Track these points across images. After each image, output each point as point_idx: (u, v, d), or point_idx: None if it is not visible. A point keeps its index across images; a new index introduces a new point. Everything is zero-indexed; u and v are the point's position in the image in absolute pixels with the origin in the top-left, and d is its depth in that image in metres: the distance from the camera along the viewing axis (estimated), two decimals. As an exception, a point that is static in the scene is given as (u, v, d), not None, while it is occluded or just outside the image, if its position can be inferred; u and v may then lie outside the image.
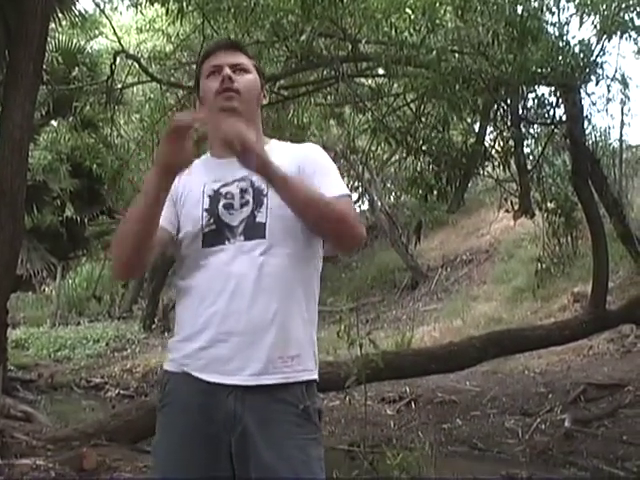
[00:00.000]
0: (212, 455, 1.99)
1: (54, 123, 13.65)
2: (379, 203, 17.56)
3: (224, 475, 1.99)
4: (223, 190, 2.09)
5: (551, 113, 7.54)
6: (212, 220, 2.06)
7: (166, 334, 16.91)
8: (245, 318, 1.99)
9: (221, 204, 2.07)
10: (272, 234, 2.03)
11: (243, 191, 2.07)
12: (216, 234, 2.05)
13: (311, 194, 2.03)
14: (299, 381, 2.03)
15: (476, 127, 8.66)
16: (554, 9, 7.15)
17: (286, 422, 2.00)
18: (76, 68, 12.41)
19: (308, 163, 2.13)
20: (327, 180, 2.12)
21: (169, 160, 1.93)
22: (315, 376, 2.10)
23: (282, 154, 2.14)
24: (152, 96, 10.43)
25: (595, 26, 7.12)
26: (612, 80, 7.72)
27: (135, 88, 11.55)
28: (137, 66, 9.19)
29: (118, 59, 9.45)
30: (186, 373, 2.04)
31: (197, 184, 2.12)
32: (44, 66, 6.83)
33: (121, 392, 12.58)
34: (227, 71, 2.11)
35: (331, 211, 2.03)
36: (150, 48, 11.06)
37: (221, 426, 1.98)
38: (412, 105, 8.19)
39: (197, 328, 2.04)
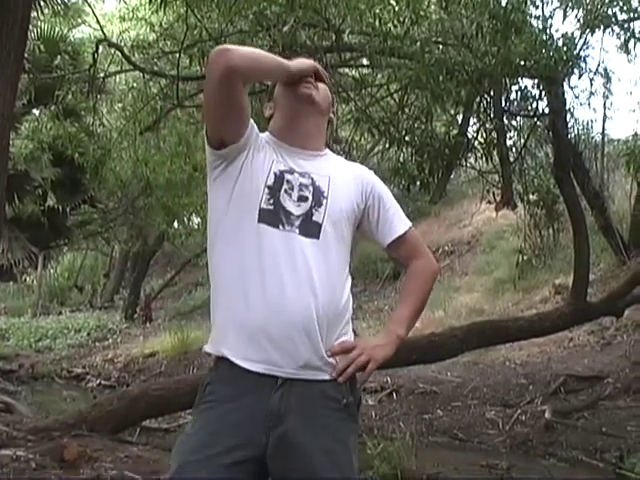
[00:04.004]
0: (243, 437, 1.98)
1: (36, 112, 13.55)
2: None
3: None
4: (286, 176, 2.12)
5: (534, 106, 7.56)
6: (272, 200, 2.07)
7: (148, 324, 16.89)
8: (289, 314, 1.99)
9: (283, 188, 2.10)
10: (325, 236, 2.07)
11: (303, 186, 2.11)
12: (272, 215, 2.06)
13: (422, 302, 2.26)
14: None
15: (459, 118, 8.68)
16: (538, 2, 7.18)
17: (329, 417, 2.02)
18: (58, 56, 12.35)
19: (380, 190, 2.27)
20: (398, 214, 2.28)
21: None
22: None
23: (342, 164, 2.30)
24: (135, 85, 10.39)
25: (579, 20, 7.16)
26: (595, 74, 7.77)
27: (118, 77, 11.49)
28: (120, 55, 9.13)
29: (101, 48, 9.38)
30: (232, 363, 2.02)
31: (268, 156, 2.15)
32: (26, 54, 6.76)
33: (102, 382, 12.57)
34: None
35: (431, 285, 2.29)
36: (133, 37, 11.00)
37: (260, 426, 1.97)
38: (395, 96, 8.20)
39: (244, 314, 2.03)
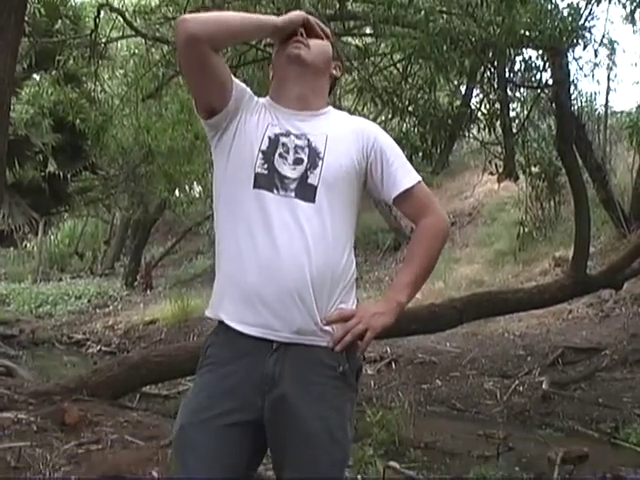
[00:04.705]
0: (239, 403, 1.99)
1: (36, 77, 13.47)
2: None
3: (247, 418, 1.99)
4: (281, 139, 2.08)
5: (538, 77, 7.51)
6: (266, 165, 2.05)
7: (148, 292, 16.94)
8: (285, 279, 1.98)
9: (277, 152, 2.06)
10: (321, 198, 2.03)
11: (298, 147, 2.07)
12: (267, 179, 2.04)
13: (427, 265, 2.14)
14: None
15: (462, 89, 8.62)
16: (544, -29, 7.09)
17: (324, 385, 2.00)
18: (59, 21, 12.24)
19: (383, 142, 2.17)
20: (404, 168, 2.16)
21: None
22: None
23: (343, 120, 2.21)
24: (137, 51, 10.29)
25: (584, -11, 7.09)
26: (599, 45, 7.71)
27: (119, 43, 11.40)
28: (122, 20, 9.04)
29: (102, 12, 9.29)
30: (228, 326, 2.03)
31: (263, 120, 2.11)
32: (26, 18, 6.71)
33: (102, 348, 12.63)
34: (300, 30, 2.17)
35: (440, 245, 2.16)
36: (135, 2, 10.86)
37: (256, 389, 1.98)
38: (399, 65, 8.13)
39: (239, 278, 2.03)
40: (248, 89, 2.16)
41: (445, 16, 6.68)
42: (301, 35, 2.15)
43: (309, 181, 2.04)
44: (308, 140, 2.08)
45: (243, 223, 2.03)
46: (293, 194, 2.02)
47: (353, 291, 2.12)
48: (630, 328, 8.56)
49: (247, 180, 2.04)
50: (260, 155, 2.06)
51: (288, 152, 2.06)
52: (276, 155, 2.06)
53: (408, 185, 2.13)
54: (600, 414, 6.43)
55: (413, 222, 2.19)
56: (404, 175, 2.14)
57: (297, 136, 2.09)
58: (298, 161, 2.05)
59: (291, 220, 2.00)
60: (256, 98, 2.17)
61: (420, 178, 2.16)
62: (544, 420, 6.53)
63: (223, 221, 2.11)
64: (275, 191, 2.02)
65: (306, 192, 2.03)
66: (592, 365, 7.77)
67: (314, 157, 2.06)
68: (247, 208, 2.03)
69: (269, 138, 2.08)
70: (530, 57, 7.37)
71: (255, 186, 2.04)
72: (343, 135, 2.13)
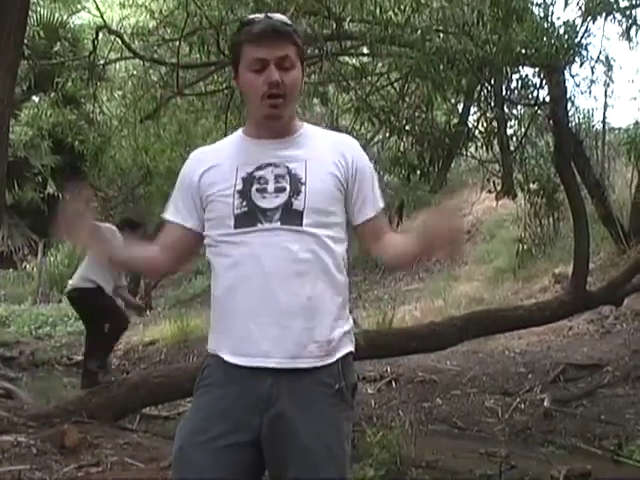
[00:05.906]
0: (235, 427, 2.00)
1: (35, 99, 13.55)
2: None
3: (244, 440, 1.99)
4: (257, 174, 2.07)
5: (535, 94, 7.54)
6: (244, 203, 2.05)
7: (147, 312, 16.90)
8: (278, 303, 1.99)
9: (254, 188, 2.06)
10: (308, 222, 2.03)
11: (279, 176, 2.07)
12: (248, 216, 2.04)
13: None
14: (335, 359, 2.05)
15: (460, 107, 8.66)
16: (539, -11, 7.14)
17: (321, 402, 2.01)
18: (58, 43, 12.33)
19: (360, 165, 2.17)
20: (374, 190, 2.19)
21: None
22: (351, 348, 2.11)
23: (319, 140, 2.19)
24: (135, 73, 10.35)
25: (580, 7, 7.12)
26: (596, 62, 7.74)
27: (118, 64, 11.46)
28: (120, 42, 9.10)
29: (100, 34, 9.35)
30: (223, 359, 2.05)
31: (229, 168, 2.11)
32: (25, 40, 6.74)
33: (103, 369, 12.56)
34: (275, 76, 2.05)
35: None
36: (133, 24, 10.93)
37: (252, 409, 1.99)
38: (396, 84, 8.18)
39: (233, 308, 2.05)
40: (197, 197, 2.17)
41: (441, 35, 6.72)
42: (277, 85, 2.05)
43: (294, 207, 2.04)
44: (287, 167, 2.08)
45: (230, 264, 2.06)
46: (279, 223, 2.03)
47: (347, 309, 2.13)
48: (631, 344, 8.53)
49: (229, 225, 2.06)
50: (237, 196, 2.06)
51: (267, 183, 2.06)
52: (252, 190, 2.06)
53: (372, 214, 2.17)
54: (603, 431, 6.40)
55: (375, 242, 2.26)
56: (373, 199, 2.18)
57: (276, 165, 2.08)
58: (280, 189, 2.05)
59: (278, 247, 2.01)
60: (208, 164, 2.15)
61: (382, 204, 2.21)
62: (546, 438, 6.49)
63: (214, 268, 2.14)
64: (259, 224, 2.03)
65: (291, 218, 2.03)
66: (594, 382, 7.74)
67: (296, 183, 2.06)
68: (234, 249, 2.05)
69: (242, 179, 2.08)
70: (527, 75, 7.41)
71: (236, 227, 2.05)
72: (321, 157, 2.12)
